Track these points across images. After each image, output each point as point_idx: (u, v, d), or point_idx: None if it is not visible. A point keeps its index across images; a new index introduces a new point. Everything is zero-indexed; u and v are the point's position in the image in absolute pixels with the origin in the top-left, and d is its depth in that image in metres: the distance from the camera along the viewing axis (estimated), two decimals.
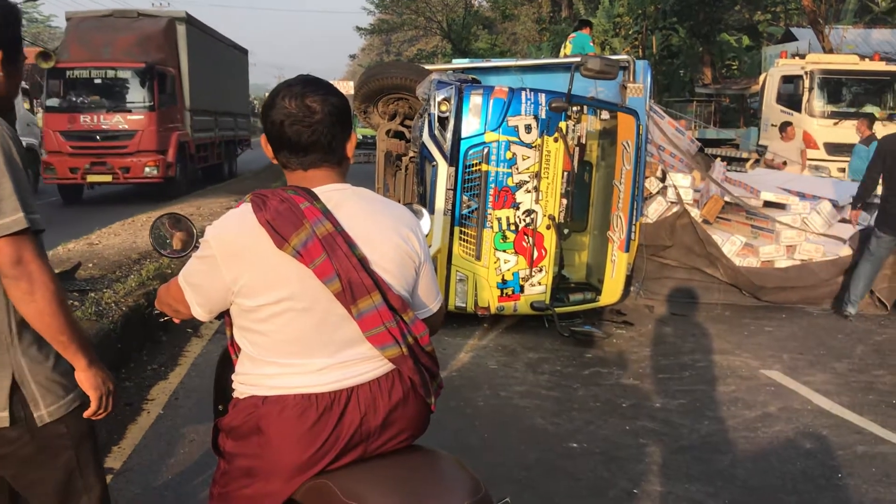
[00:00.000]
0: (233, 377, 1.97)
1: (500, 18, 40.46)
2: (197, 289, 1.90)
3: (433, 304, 2.07)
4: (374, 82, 7.11)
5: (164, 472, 3.79)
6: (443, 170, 6.03)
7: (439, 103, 6.01)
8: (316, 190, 1.87)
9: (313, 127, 1.84)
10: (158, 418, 4.46)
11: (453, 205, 6.03)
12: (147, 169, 15.13)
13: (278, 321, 1.83)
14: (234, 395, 1.95)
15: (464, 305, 6.15)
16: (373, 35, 48.97)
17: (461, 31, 39.62)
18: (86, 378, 2.01)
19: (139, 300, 5.69)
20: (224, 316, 1.99)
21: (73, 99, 15.34)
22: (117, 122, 15.18)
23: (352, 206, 1.89)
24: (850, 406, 4.83)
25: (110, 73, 15.39)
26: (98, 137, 15.06)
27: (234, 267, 1.82)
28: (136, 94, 15.37)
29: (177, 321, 2.20)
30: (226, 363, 2.52)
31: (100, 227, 9.61)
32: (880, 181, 7.15)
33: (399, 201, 6.89)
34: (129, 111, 15.24)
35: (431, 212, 6.03)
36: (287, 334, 1.84)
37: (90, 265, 6.66)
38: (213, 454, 2.03)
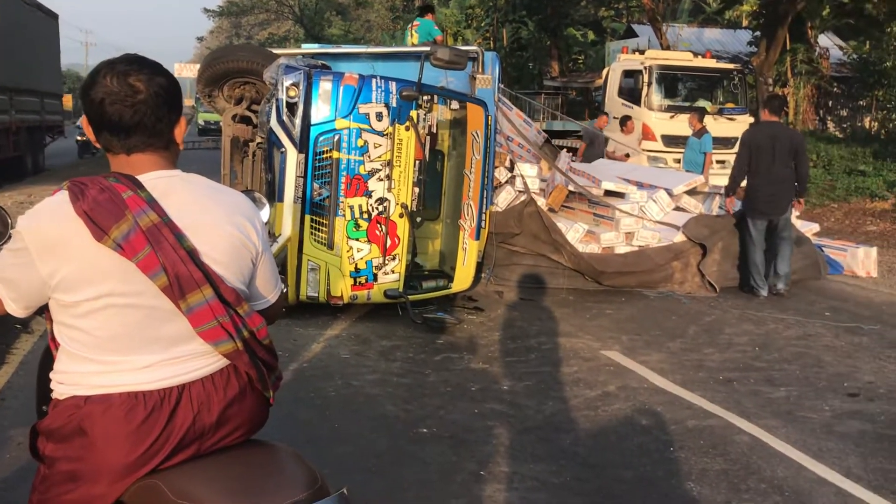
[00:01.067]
0: (51, 376, 1.85)
1: (353, 5, 40.24)
2: (10, 283, 1.77)
3: (272, 294, 2.02)
4: (220, 65, 6.88)
5: None
6: (292, 157, 5.93)
7: (287, 88, 5.89)
8: (141, 177, 1.77)
9: (136, 107, 1.74)
10: None
11: (304, 192, 5.94)
12: None
13: (99, 317, 1.73)
14: (54, 395, 1.83)
15: (316, 295, 6.08)
16: (222, 17, 47.37)
17: (314, 16, 39.09)
18: None
19: None
20: (44, 311, 1.87)
21: None
22: None
23: (180, 194, 1.80)
24: (682, 383, 5.15)
25: None
26: None
27: (50, 260, 1.70)
28: None
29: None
30: (48, 361, 2.37)
31: None
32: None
33: (247, 189, 6.72)
34: None
35: (281, 199, 5.91)
36: (109, 331, 1.74)
37: None
38: (31, 463, 1.90)
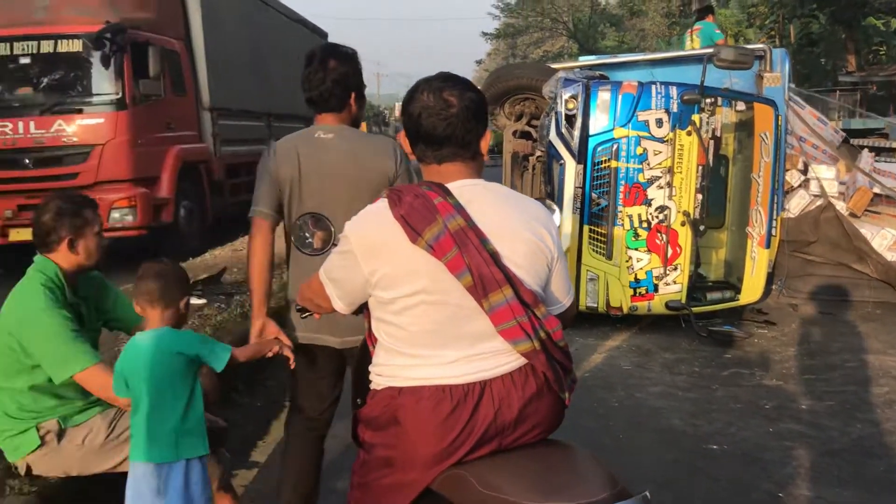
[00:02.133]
0: (370, 368, 2.03)
1: (627, 15, 39.77)
2: (337, 283, 1.98)
3: (566, 299, 2.07)
4: (500, 84, 7.15)
5: None
6: (571, 168, 5.98)
7: (566, 101, 5.96)
8: (449, 185, 1.91)
9: (448, 120, 1.88)
10: None
11: (582, 203, 5.96)
12: (114, 214, 8.84)
13: (412, 313, 1.88)
14: (372, 386, 2.01)
15: (595, 305, 6.06)
16: (498, 39, 49.22)
17: (587, 30, 39.23)
18: None
19: (280, 303, 5.93)
20: (363, 310, 2.06)
21: None
22: (58, 130, 8.88)
23: (484, 201, 1.91)
24: None
25: (47, 46, 9.01)
26: (28, 161, 8.95)
27: (372, 260, 1.88)
28: (93, 81, 9.10)
29: (317, 317, 2.29)
30: (364, 357, 2.60)
31: (244, 233, 10.09)
32: None
33: (539, 197, 6.90)
34: (79, 111, 8.99)
35: (560, 209, 5.98)
36: (421, 326, 1.88)
37: (234, 270, 7.01)
38: (351, 448, 2.09)
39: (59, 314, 2.72)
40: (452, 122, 1.89)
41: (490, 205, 1.92)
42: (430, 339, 1.89)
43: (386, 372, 1.95)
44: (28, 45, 9.08)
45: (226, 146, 11.54)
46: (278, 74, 14.09)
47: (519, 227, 1.91)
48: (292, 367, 2.88)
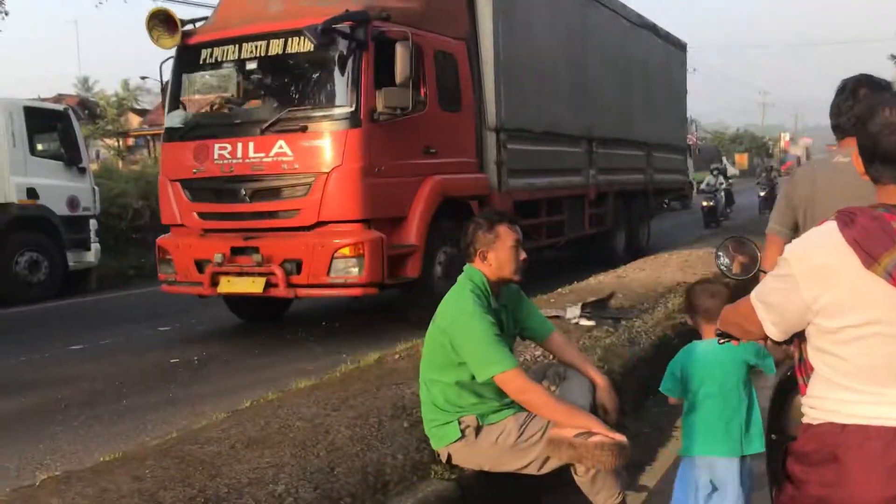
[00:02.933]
0: (803, 400, 1.91)
1: None
2: (772, 307, 1.90)
3: None
4: None
5: None
6: None
7: None
8: None
9: None
10: None
11: None
12: (336, 264, 6.79)
13: (862, 345, 1.74)
14: (805, 420, 1.90)
15: None
16: None
17: None
18: None
19: (666, 332, 5.91)
20: (792, 341, 1.96)
21: (207, 112, 7.79)
22: (279, 154, 6.98)
23: None
24: None
25: (275, 46, 7.19)
26: (245, 192, 7.15)
27: (815, 286, 1.78)
28: (322, 89, 7.30)
29: (736, 343, 2.23)
30: (784, 391, 2.48)
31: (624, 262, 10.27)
32: None
33: None
34: (303, 128, 6.99)
35: None
36: (871, 359, 1.74)
37: (620, 296, 7.12)
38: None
39: (486, 318, 3.01)
40: None
41: None
42: (880, 374, 1.74)
43: (824, 406, 1.83)
44: (255, 47, 7.27)
45: (518, 177, 9.17)
46: (614, 89, 12.33)
47: None
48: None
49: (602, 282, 8.17)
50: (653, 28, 14.48)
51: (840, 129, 2.98)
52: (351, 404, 3.94)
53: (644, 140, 13.70)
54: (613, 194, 12.23)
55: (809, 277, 1.78)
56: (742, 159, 55.98)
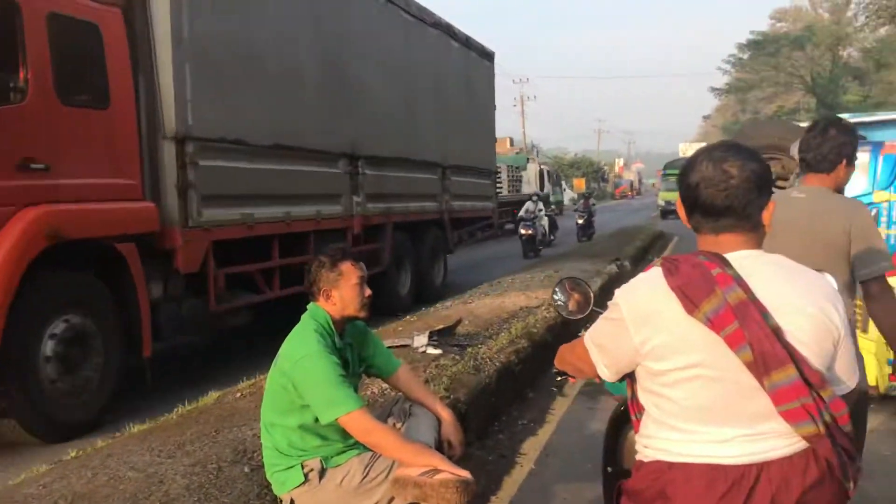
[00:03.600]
0: (637, 438, 1.99)
1: (872, 68, 36.99)
2: (604, 350, 1.97)
3: (851, 381, 1.92)
4: (747, 143, 6.86)
5: None
6: None
7: None
8: (728, 256, 1.85)
9: (728, 192, 1.83)
10: (531, 473, 4.61)
11: None
12: None
13: (687, 387, 1.82)
14: (638, 457, 1.97)
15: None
16: (728, 94, 47.66)
17: (828, 84, 36.92)
18: None
19: (510, 357, 6.03)
20: (626, 378, 2.03)
21: None
22: None
23: (766, 273, 1.83)
24: None
25: None
26: None
27: (643, 330, 1.84)
28: None
29: (572, 381, 2.30)
30: (618, 424, 2.57)
31: (472, 287, 10.42)
32: None
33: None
34: None
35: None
36: (695, 401, 1.82)
37: (466, 322, 7.22)
38: None
39: (329, 359, 2.93)
40: (732, 193, 1.83)
41: (772, 277, 1.83)
42: (704, 414, 1.82)
43: (654, 444, 1.91)
44: None
45: (223, 207, 6.95)
46: (392, 98, 10.26)
47: (803, 301, 1.81)
48: None
49: (450, 308, 8.27)
50: (447, 29, 12.12)
51: (806, 164, 3.21)
52: (188, 450, 3.75)
53: (438, 161, 11.68)
54: (391, 226, 10.17)
55: (638, 322, 1.85)
56: (580, 183, 58.92)
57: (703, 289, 1.78)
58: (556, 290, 2.76)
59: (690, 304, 1.78)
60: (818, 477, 1.79)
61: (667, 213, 31.77)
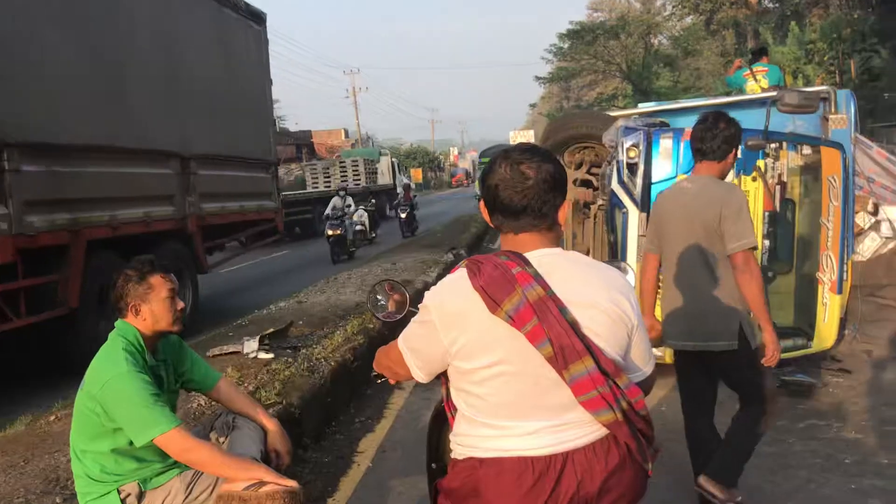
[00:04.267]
0: (451, 437, 2.03)
1: (681, 55, 39.61)
2: (417, 352, 1.99)
3: (647, 367, 2.04)
4: (560, 133, 7.18)
5: None
6: (634, 216, 5.94)
7: (627, 150, 5.94)
8: (527, 254, 1.92)
9: (524, 192, 1.89)
10: (368, 471, 4.63)
11: None
12: None
13: (493, 384, 1.88)
14: (452, 455, 2.01)
15: (661, 354, 5.95)
16: (552, 83, 49.55)
17: (641, 71, 39.15)
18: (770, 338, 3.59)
19: (346, 355, 6.00)
20: (441, 377, 2.06)
21: None
22: None
23: (563, 270, 1.92)
24: None
25: None
26: None
27: (451, 330, 1.89)
28: None
29: (392, 382, 2.31)
30: (439, 421, 2.61)
31: (307, 286, 10.25)
32: None
33: (588, 250, 6.86)
34: None
35: (624, 258, 5.94)
36: (501, 397, 1.88)
37: (300, 323, 7.11)
38: None
39: (140, 378, 2.80)
40: (528, 194, 1.90)
41: (568, 273, 1.92)
42: (510, 410, 1.88)
43: (466, 442, 1.95)
44: None
45: None
46: (76, 60, 7.22)
47: (598, 295, 1.91)
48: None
49: (282, 308, 8.11)
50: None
51: (700, 153, 3.62)
52: None
53: (173, 149, 8.82)
54: (84, 247, 7.07)
55: (445, 323, 1.89)
56: (417, 174, 59.49)
57: (504, 288, 1.84)
58: (376, 290, 2.76)
59: (493, 303, 1.83)
60: (619, 461, 1.90)
61: None
